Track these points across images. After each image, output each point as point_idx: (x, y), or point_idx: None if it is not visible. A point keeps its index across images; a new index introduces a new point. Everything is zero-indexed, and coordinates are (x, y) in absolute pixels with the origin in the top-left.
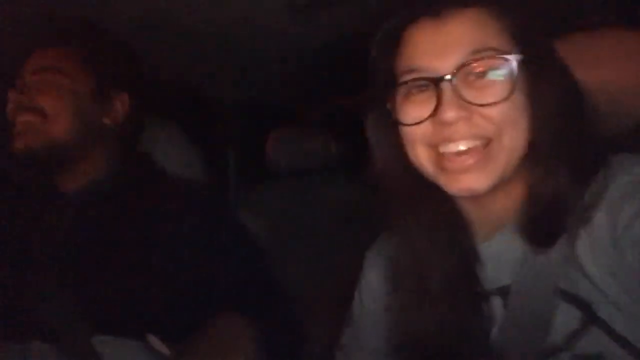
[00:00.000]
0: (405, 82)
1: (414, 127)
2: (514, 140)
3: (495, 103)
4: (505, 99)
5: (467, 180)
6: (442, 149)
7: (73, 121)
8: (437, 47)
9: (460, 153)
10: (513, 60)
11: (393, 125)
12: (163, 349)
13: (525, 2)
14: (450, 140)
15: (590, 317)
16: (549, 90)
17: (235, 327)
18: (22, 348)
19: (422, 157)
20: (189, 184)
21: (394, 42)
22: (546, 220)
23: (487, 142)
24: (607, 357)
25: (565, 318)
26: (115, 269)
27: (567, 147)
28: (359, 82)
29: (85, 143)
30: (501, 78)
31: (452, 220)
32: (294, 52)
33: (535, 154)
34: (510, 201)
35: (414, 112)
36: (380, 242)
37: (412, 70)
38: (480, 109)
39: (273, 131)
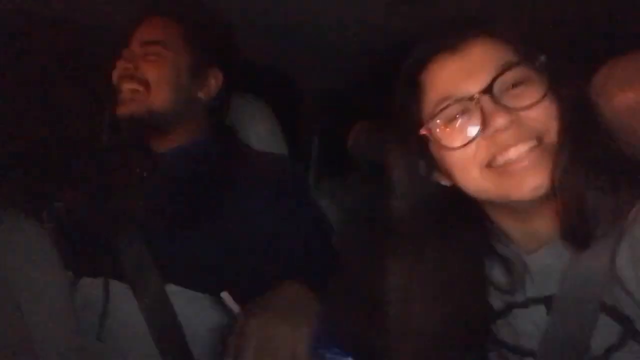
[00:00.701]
0: (442, 110)
1: (464, 149)
2: (560, 134)
3: (536, 103)
4: (543, 97)
5: (532, 180)
6: (500, 160)
7: (171, 93)
8: (464, 73)
9: (519, 157)
10: (537, 64)
11: (424, 157)
12: (234, 306)
13: (525, 24)
14: (508, 146)
15: (629, 331)
16: (568, 90)
17: (300, 291)
18: (104, 284)
19: (476, 177)
20: (271, 156)
21: (416, 81)
22: (579, 224)
23: (540, 140)
24: None
25: (605, 331)
26: (194, 226)
27: (590, 150)
28: None
29: (180, 113)
30: (533, 82)
31: (487, 236)
32: (387, 46)
33: (568, 156)
34: (551, 213)
35: (459, 135)
36: None
37: (445, 99)
38: (525, 112)
39: (357, 123)
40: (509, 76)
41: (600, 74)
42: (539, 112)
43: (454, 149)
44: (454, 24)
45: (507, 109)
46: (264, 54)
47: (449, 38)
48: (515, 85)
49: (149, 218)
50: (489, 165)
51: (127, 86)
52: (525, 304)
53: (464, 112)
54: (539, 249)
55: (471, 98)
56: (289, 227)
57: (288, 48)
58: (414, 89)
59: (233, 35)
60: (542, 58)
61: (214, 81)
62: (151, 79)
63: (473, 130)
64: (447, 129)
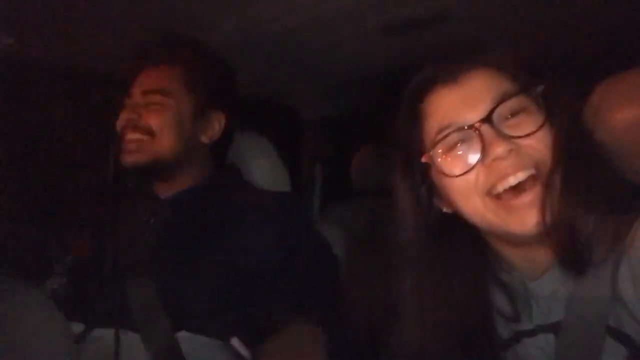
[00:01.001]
0: (443, 138)
1: (465, 177)
2: (558, 164)
3: (534, 132)
4: (542, 125)
5: (532, 218)
6: (500, 187)
7: (176, 139)
8: (464, 103)
9: (518, 187)
10: (535, 93)
11: (425, 186)
12: (244, 351)
13: (522, 54)
14: (507, 174)
15: (634, 353)
16: (564, 117)
17: (308, 333)
18: (115, 334)
19: (479, 206)
20: (272, 194)
21: (417, 110)
22: (574, 254)
23: (539, 169)
24: None
25: (612, 353)
26: (201, 269)
27: (587, 172)
28: None
29: (185, 158)
30: (532, 111)
31: (487, 265)
32: (386, 72)
33: (562, 181)
34: (551, 241)
35: (460, 163)
36: None
37: (445, 128)
38: (524, 140)
39: (360, 149)
40: (508, 106)
41: (597, 93)
42: (538, 141)
43: (454, 176)
44: (454, 54)
45: (506, 138)
46: (264, 85)
47: (449, 68)
48: (513, 114)
49: (157, 265)
50: (489, 193)
51: (132, 136)
52: (533, 332)
53: (464, 140)
54: (542, 276)
55: (471, 126)
56: (293, 264)
57: (288, 79)
58: (415, 117)
59: (234, 76)
60: (539, 88)
61: (217, 124)
62: (155, 128)
63: (473, 158)
64: (448, 157)
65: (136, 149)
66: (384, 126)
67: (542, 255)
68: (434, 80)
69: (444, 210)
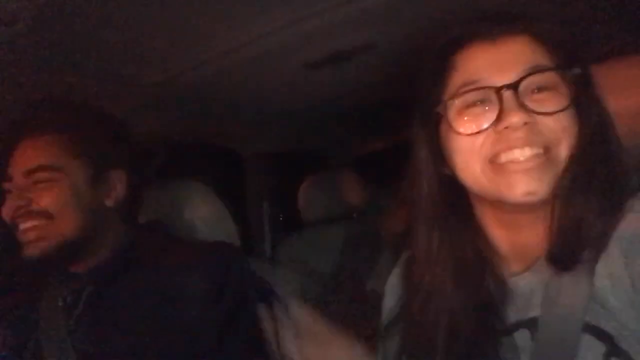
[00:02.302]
0: (466, 92)
1: (472, 138)
2: (569, 150)
3: (556, 112)
4: (565, 108)
5: (527, 184)
6: (505, 158)
7: (78, 214)
8: (497, 64)
9: (523, 159)
10: (568, 74)
11: (437, 144)
12: None
13: (566, 28)
14: (515, 146)
15: (612, 349)
16: (591, 106)
17: None
18: None
19: (476, 170)
20: (203, 248)
21: (446, 62)
22: (570, 245)
23: (547, 150)
24: None
25: (589, 350)
26: (133, 344)
27: (602, 168)
28: (379, 128)
29: (92, 230)
30: (559, 90)
31: (482, 254)
32: (317, 104)
33: (572, 174)
34: (543, 229)
35: (472, 123)
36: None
37: (471, 83)
38: (542, 118)
39: (304, 180)
40: (538, 78)
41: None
42: (556, 122)
43: (463, 134)
44: (498, 15)
45: (526, 110)
46: (198, 130)
47: (490, 27)
48: (540, 89)
49: (82, 347)
50: (492, 161)
51: (26, 225)
52: (512, 329)
53: (484, 101)
54: (523, 272)
55: (495, 89)
56: (235, 321)
57: (222, 121)
58: (443, 68)
59: (127, 130)
60: (575, 71)
61: (119, 183)
62: (52, 209)
63: (487, 122)
64: (463, 114)
65: (36, 237)
66: (325, 155)
67: (531, 245)
68: (471, 36)
69: (445, 172)
